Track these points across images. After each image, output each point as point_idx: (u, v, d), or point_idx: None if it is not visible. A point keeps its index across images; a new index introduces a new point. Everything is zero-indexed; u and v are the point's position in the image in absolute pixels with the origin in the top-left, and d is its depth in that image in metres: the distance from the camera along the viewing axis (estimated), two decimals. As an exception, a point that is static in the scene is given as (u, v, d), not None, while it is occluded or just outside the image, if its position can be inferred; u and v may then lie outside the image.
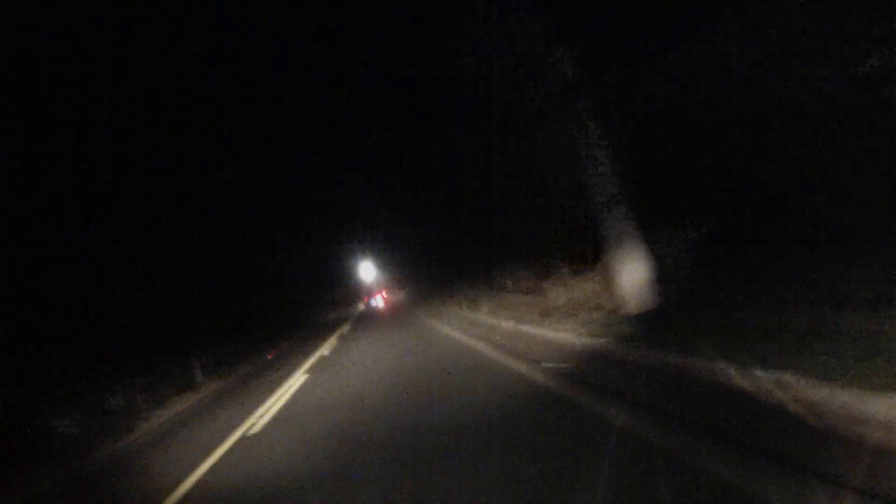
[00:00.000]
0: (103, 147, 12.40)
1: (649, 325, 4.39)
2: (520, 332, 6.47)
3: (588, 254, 6.90)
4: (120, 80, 12.85)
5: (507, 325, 7.32)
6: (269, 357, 13.38)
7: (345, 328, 17.95)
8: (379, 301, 34.60)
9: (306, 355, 11.73)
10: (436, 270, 21.76)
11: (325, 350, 11.97)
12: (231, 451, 4.77)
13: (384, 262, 39.55)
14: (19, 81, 10.36)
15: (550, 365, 4.35)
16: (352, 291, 47.22)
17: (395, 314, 19.97)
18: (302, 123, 25.91)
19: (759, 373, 2.56)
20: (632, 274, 5.20)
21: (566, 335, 5.19)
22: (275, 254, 24.65)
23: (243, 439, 5.08)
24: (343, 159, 29.56)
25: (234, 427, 5.72)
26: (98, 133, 12.36)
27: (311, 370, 8.99)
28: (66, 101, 11.75)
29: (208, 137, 17.27)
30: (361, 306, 40.77)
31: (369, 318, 21.43)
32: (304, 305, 33.02)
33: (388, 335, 11.81)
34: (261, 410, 6.30)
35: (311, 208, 30.09)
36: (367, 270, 43.56)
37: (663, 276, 5.12)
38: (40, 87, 11.11)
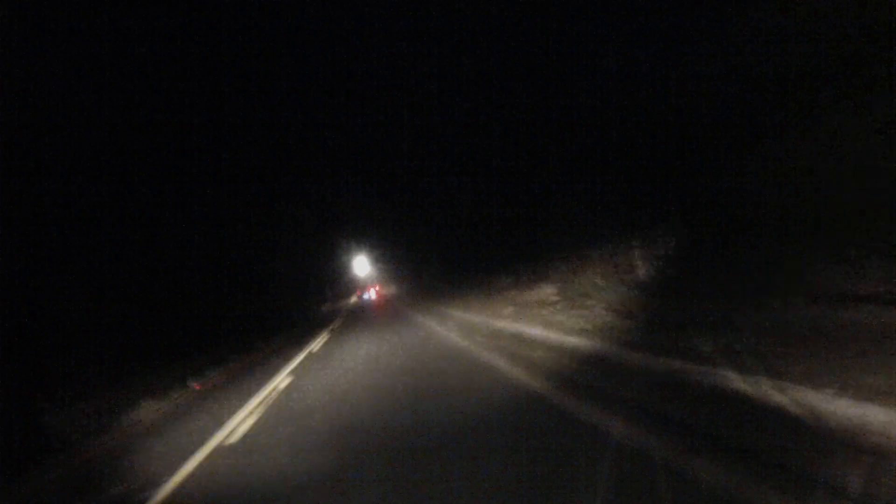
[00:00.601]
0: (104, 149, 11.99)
1: None
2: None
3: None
4: (122, 83, 12.54)
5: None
6: (197, 387, 9.62)
7: (319, 344, 11.73)
8: (372, 296, 34.31)
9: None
10: (436, 267, 21.23)
11: (283, 380, 6.95)
12: None
13: (379, 259, 39.13)
14: (22, 84, 10.03)
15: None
16: (345, 288, 46.74)
17: (389, 316, 16.44)
18: (302, 122, 25.39)
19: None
20: None
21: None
22: (262, 250, 23.70)
23: None
24: (342, 158, 29.16)
25: None
26: (99, 137, 12.01)
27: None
28: (68, 102, 11.44)
29: (208, 135, 16.78)
30: (354, 299, 40.38)
31: (359, 324, 16.67)
32: (297, 301, 32.24)
33: (380, 350, 7.91)
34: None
35: (308, 205, 29.55)
36: (361, 267, 43.12)
37: None
38: (42, 88, 10.80)
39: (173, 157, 15.07)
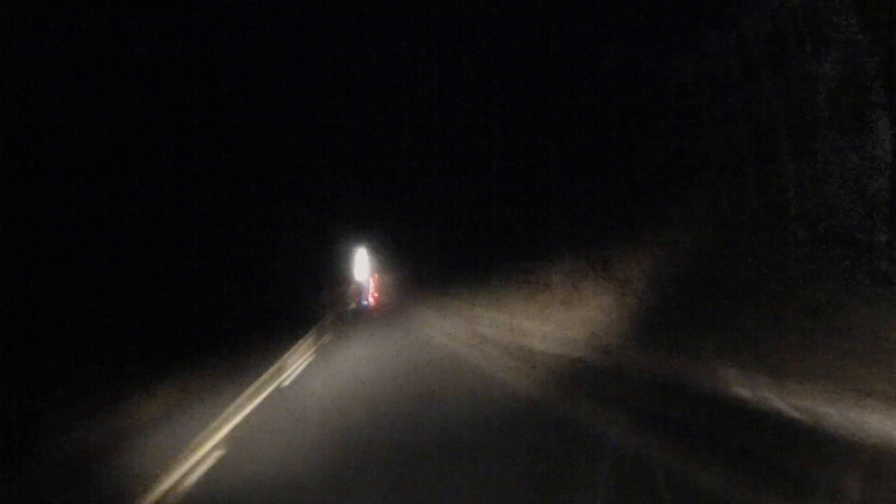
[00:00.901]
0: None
1: None
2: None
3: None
4: (122, 83, 12.44)
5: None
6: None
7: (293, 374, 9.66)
8: (369, 298, 33.62)
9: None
10: (436, 266, 21.07)
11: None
12: None
13: (379, 258, 38.95)
14: (22, 84, 9.96)
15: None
16: (344, 288, 46.39)
17: (393, 326, 15.67)
18: (301, 122, 25.35)
19: None
20: None
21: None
22: (262, 250, 23.42)
23: None
24: (342, 158, 29.11)
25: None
26: (99, 136, 11.91)
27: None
28: (68, 101, 11.37)
29: (208, 135, 16.72)
30: (351, 298, 39.77)
31: (351, 333, 15.70)
32: (296, 302, 31.77)
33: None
34: None
35: (308, 205, 29.43)
36: (360, 266, 42.80)
37: None
38: (42, 88, 10.73)
39: (173, 156, 15.03)
